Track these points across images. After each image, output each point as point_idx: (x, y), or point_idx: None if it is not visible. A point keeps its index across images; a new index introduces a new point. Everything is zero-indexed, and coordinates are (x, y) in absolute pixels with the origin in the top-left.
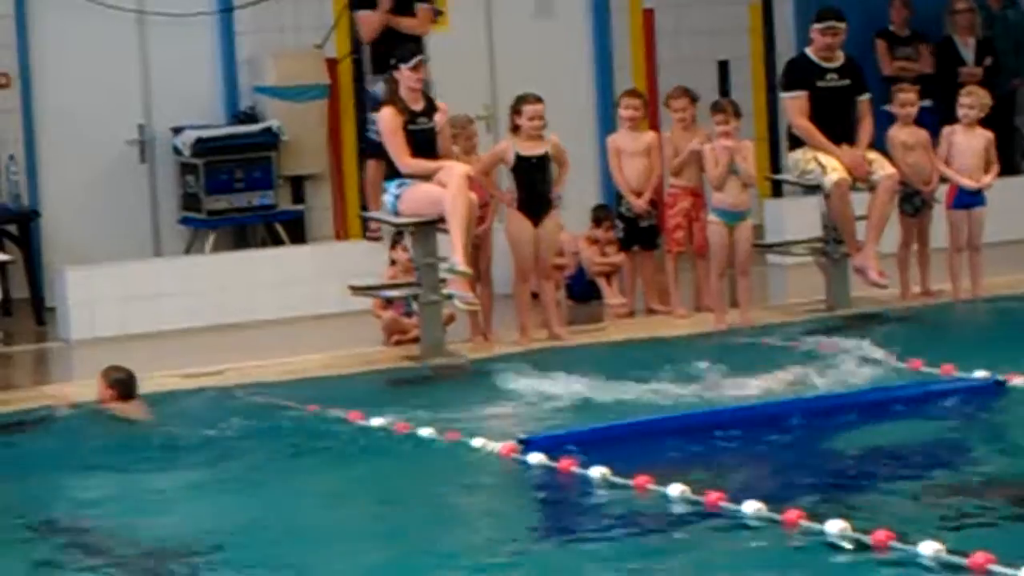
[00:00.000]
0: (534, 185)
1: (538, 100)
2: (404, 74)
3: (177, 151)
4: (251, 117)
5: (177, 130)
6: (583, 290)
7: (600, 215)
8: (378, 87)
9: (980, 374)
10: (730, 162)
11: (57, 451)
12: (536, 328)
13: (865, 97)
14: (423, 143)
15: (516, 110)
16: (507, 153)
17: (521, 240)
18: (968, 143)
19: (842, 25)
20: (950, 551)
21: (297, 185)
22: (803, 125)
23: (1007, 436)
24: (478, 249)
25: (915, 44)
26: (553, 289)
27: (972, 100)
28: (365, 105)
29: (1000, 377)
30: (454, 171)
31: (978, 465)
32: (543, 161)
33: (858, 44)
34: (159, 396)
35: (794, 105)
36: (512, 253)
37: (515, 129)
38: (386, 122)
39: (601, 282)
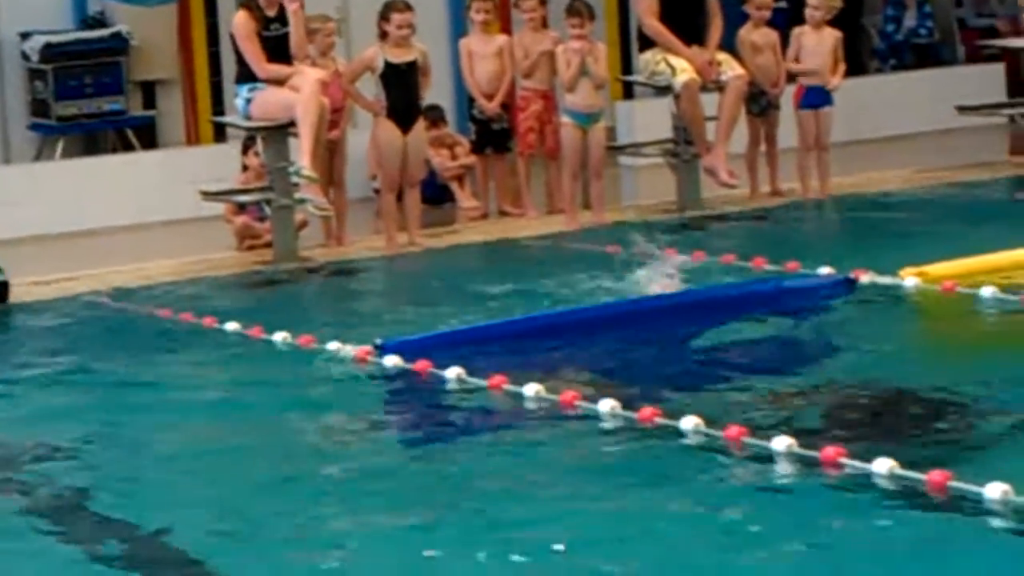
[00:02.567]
0: (403, 92)
1: (408, 8)
2: None
3: (25, 57)
4: (100, 22)
5: (25, 35)
6: (435, 193)
7: (434, 115)
8: None
9: (825, 271)
10: (582, 64)
11: None
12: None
13: None
14: (277, 49)
15: (384, 17)
16: (375, 60)
17: (392, 149)
18: (817, 43)
19: None
20: (802, 445)
21: (147, 90)
22: (653, 25)
23: (857, 333)
24: (333, 154)
25: None
26: (418, 197)
27: (819, 1)
28: (217, 9)
29: (851, 275)
30: (308, 76)
31: (829, 363)
32: (412, 68)
33: None
34: (10, 303)
35: (645, 5)
36: (381, 162)
37: (383, 36)
38: (240, 27)
39: (454, 185)
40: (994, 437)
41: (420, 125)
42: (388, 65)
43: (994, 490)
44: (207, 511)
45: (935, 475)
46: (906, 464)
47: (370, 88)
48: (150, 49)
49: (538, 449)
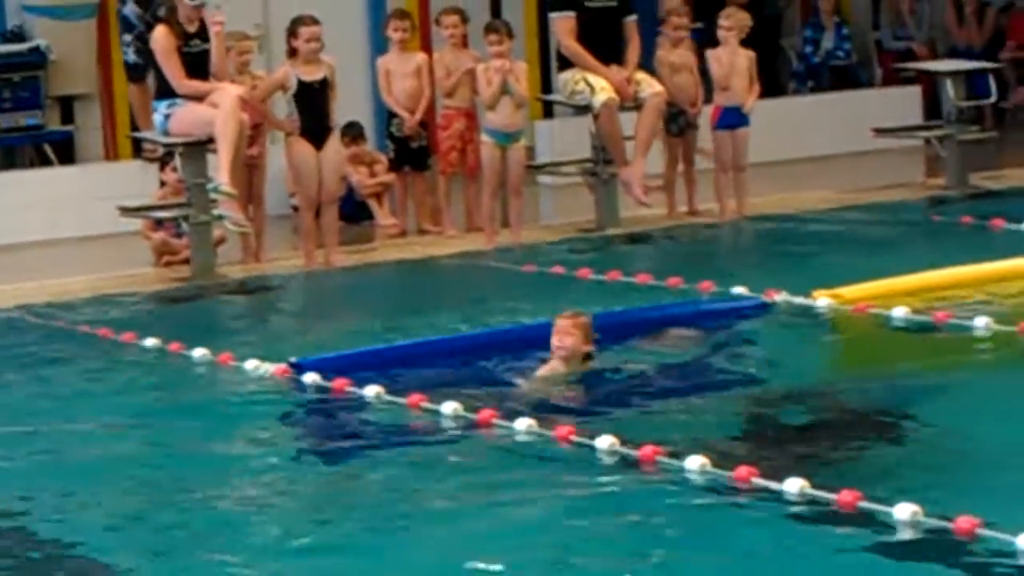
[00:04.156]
0: (315, 111)
1: (315, 22)
2: (182, 2)
3: None
4: (18, 36)
5: None
6: (353, 210)
7: (352, 133)
8: (128, 8)
9: (738, 289)
10: (503, 82)
11: None
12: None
13: (632, 18)
14: (196, 65)
15: (293, 32)
16: (287, 80)
17: (307, 167)
18: (733, 64)
19: None
20: (715, 465)
21: (66, 105)
22: (571, 46)
23: (770, 354)
24: (253, 170)
25: None
26: (336, 214)
27: (731, 22)
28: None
29: (766, 299)
30: (227, 92)
31: (744, 382)
32: (323, 85)
33: None
34: None
35: (563, 26)
36: (298, 181)
37: (292, 53)
38: (160, 42)
39: (372, 203)
40: (905, 457)
41: (334, 141)
42: (301, 84)
43: (903, 511)
44: (116, 525)
45: (845, 495)
46: (817, 484)
47: (282, 107)
48: (69, 64)
49: (453, 468)
